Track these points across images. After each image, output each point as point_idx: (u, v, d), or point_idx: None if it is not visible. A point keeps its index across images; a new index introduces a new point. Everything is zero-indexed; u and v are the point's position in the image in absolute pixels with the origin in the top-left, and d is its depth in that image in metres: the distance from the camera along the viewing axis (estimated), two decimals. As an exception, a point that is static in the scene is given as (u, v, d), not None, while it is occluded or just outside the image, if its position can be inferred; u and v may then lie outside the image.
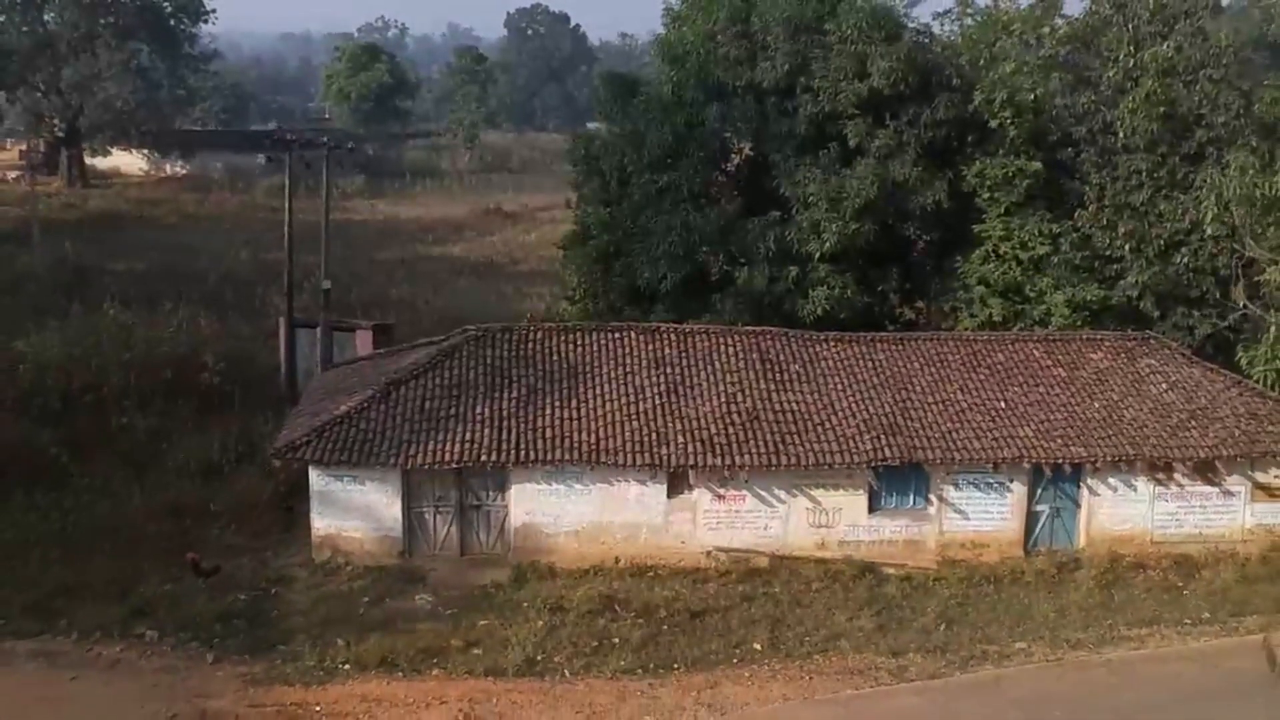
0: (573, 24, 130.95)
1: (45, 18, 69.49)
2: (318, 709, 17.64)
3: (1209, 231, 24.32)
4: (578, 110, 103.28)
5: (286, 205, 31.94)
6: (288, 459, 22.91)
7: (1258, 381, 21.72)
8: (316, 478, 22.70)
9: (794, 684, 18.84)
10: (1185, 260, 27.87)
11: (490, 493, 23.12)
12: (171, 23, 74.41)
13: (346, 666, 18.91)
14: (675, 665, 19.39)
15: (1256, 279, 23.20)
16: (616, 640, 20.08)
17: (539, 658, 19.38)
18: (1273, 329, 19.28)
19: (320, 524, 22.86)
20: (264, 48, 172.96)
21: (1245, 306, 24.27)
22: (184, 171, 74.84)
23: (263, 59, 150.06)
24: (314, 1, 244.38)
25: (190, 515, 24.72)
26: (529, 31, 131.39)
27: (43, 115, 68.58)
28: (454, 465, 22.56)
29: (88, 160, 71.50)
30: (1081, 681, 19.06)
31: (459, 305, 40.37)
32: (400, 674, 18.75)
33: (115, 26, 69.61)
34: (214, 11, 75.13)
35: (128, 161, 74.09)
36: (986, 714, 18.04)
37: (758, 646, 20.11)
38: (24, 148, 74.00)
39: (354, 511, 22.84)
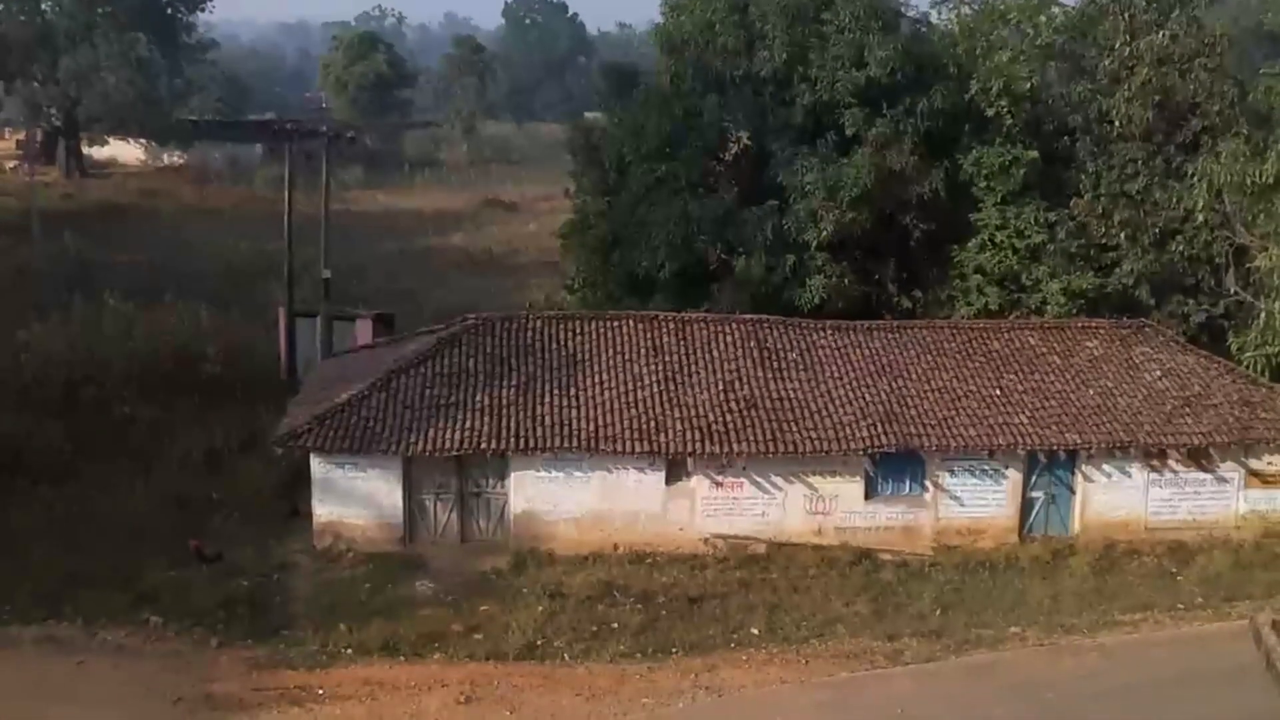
0: (570, 14, 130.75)
1: (43, 7, 69.40)
2: (321, 692, 17.89)
3: (1201, 219, 24.53)
4: (576, 101, 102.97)
5: (286, 195, 32.01)
6: (289, 447, 23.11)
7: (1248, 367, 21.97)
8: (318, 465, 22.91)
9: (790, 667, 19.09)
10: (1180, 248, 28.03)
11: (490, 480, 23.32)
12: (169, 12, 74.43)
13: (349, 651, 19.18)
14: (674, 649, 19.65)
15: (1248, 266, 23.43)
16: (615, 625, 20.33)
17: (539, 642, 19.63)
18: (1263, 315, 19.47)
19: (322, 511, 23.08)
20: (261, 38, 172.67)
21: (1236, 293, 24.48)
22: (182, 162, 74.77)
23: (259, 49, 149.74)
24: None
25: (193, 505, 24.91)
26: (527, 21, 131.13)
27: (40, 105, 68.49)
28: (454, 453, 22.78)
29: (85, 150, 71.49)
30: (1075, 666, 19.27)
31: (458, 295, 40.49)
32: (402, 658, 19.02)
33: (113, 16, 69.48)
34: (211, 1, 75.25)
35: (125, 152, 74.00)
36: (980, 697, 18.24)
37: (755, 631, 20.36)
38: (21, 138, 74.00)
39: (355, 499, 23.06)
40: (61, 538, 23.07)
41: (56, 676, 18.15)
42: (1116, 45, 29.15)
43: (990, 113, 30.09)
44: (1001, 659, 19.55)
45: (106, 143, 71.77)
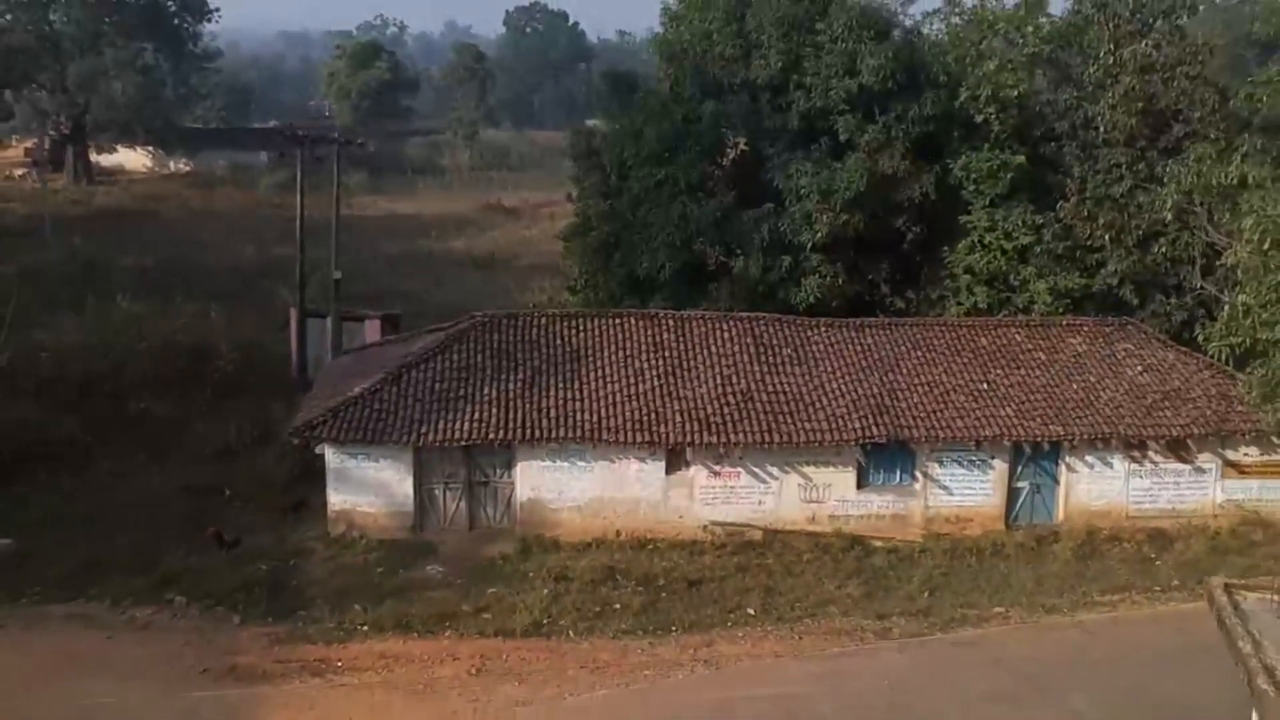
0: (571, 22, 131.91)
1: (51, 17, 70.37)
2: (339, 664, 18.83)
3: (1170, 217, 25.50)
4: (576, 107, 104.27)
5: (299, 199, 32.81)
6: (305, 438, 23.97)
7: (1213, 357, 22.91)
8: (332, 456, 23.75)
9: (784, 643, 20.03)
10: (1162, 249, 28.80)
11: (497, 470, 24.20)
12: (176, 22, 75.38)
13: (364, 628, 20.10)
14: (674, 627, 20.57)
15: (1218, 264, 24.44)
16: (618, 606, 21.22)
17: (545, 621, 20.53)
18: (1227, 308, 20.42)
19: (336, 500, 23.92)
20: (264, 46, 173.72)
21: (1202, 288, 25.47)
22: (187, 169, 75.78)
23: (262, 57, 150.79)
24: (313, 0, 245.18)
25: (208, 495, 25.78)
26: (528, 30, 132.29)
27: (48, 113, 69.46)
28: (463, 443, 23.65)
29: (93, 157, 72.45)
30: (1055, 641, 20.21)
31: (461, 297, 41.33)
32: (415, 634, 19.92)
33: (120, 25, 70.53)
34: (218, 10, 76.20)
35: (132, 159, 75.03)
36: (965, 669, 19.16)
37: (751, 611, 21.24)
38: (30, 145, 74.93)
39: (368, 488, 23.93)
40: (82, 524, 24.05)
41: (88, 650, 19.09)
42: (1101, 54, 29.96)
43: (979, 119, 30.98)
44: (986, 636, 20.47)
45: (114, 150, 72.70)
